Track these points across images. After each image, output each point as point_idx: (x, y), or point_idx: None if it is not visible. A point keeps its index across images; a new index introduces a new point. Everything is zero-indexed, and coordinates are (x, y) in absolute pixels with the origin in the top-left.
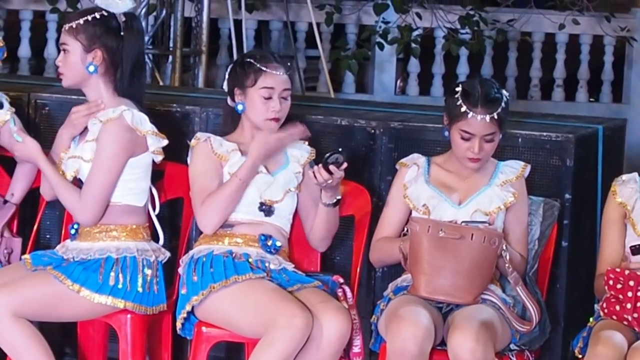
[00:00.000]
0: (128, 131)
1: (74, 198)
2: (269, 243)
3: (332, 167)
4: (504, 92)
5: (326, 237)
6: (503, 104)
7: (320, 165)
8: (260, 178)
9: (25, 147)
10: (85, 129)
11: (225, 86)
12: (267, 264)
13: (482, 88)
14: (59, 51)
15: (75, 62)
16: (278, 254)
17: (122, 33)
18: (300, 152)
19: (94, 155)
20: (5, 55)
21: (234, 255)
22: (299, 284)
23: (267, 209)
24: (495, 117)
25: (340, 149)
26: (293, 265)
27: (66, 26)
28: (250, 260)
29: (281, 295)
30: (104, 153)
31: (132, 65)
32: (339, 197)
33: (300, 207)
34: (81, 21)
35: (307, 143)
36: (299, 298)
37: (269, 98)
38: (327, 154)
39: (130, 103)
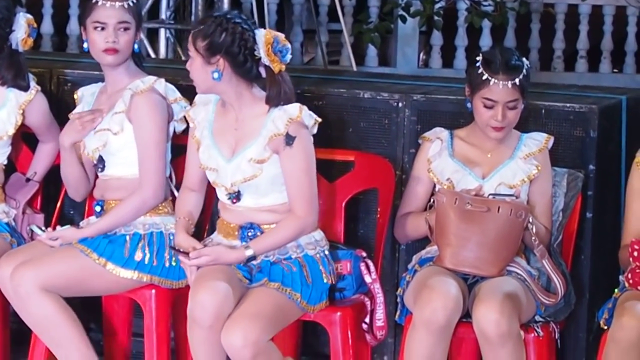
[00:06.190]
0: (162, 99)
1: (136, 201)
2: (250, 234)
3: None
4: (524, 60)
5: None
6: (524, 71)
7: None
8: (221, 169)
9: (64, 238)
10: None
11: None
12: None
13: (503, 56)
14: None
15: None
16: None
17: None
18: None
19: (134, 133)
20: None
21: None
22: (264, 280)
23: (234, 195)
24: (517, 83)
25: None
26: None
27: None
28: None
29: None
30: (148, 127)
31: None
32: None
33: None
34: None
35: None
36: (249, 296)
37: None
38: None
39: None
